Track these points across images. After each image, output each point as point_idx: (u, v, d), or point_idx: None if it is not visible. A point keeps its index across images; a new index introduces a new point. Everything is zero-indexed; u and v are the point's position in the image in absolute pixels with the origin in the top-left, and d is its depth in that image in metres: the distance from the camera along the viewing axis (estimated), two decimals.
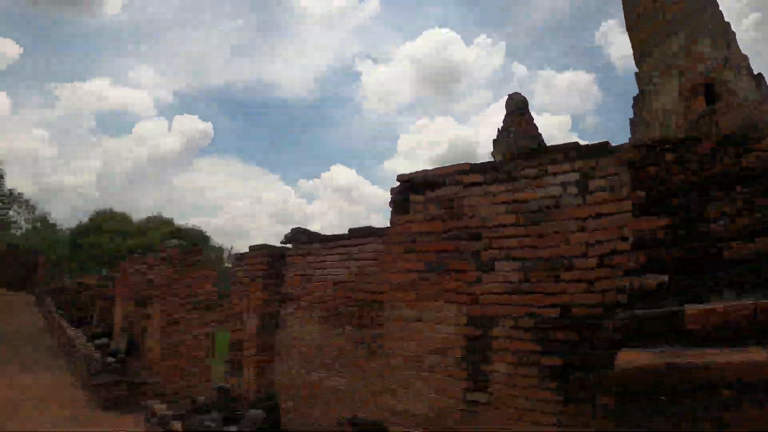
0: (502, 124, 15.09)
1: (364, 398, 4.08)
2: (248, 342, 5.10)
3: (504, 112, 15.42)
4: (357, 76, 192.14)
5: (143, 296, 9.67)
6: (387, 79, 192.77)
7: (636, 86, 23.98)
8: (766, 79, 17.00)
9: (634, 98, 23.91)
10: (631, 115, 23.91)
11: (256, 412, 3.87)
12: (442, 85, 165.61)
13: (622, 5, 20.76)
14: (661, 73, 21.59)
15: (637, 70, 23.99)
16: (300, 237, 4.94)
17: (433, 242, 3.46)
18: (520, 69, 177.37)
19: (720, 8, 19.24)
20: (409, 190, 3.69)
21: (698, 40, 20.36)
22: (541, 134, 14.60)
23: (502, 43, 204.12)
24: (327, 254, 4.68)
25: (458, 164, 3.52)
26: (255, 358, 5.00)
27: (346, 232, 4.63)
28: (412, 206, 3.65)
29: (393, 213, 3.78)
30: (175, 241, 7.01)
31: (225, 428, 4.07)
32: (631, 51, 22.59)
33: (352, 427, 3.29)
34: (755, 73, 17.19)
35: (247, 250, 5.44)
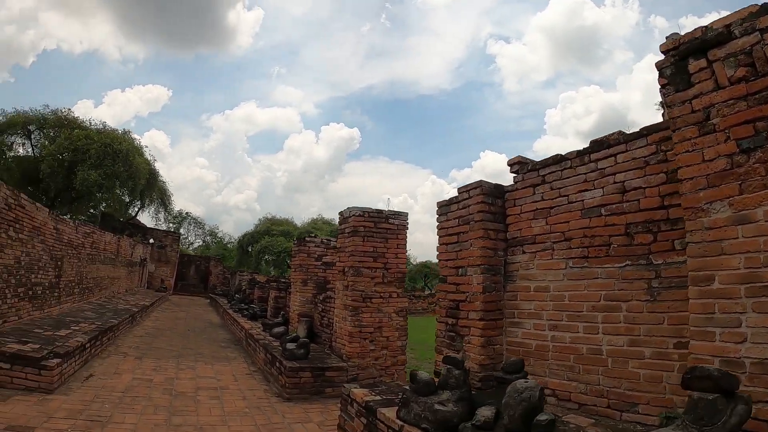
0: None
1: (651, 357, 3.07)
2: (469, 303, 4.26)
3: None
4: (492, 58, 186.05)
5: (321, 279, 9.53)
6: (522, 56, 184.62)
7: None
8: None
9: None
10: None
11: (525, 384, 2.87)
12: (579, 52, 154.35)
13: None
14: None
15: None
16: (523, 166, 3.95)
17: (742, 111, 2.53)
18: (659, 21, 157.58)
19: None
20: (685, 58, 2.81)
21: None
22: None
23: None
24: (566, 178, 3.72)
25: (746, 8, 2.61)
26: (480, 323, 4.13)
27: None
28: (694, 76, 2.76)
29: (668, 92, 2.90)
30: (357, 207, 6.41)
31: (477, 413, 2.98)
32: None
33: (696, 381, 2.17)
34: None
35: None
